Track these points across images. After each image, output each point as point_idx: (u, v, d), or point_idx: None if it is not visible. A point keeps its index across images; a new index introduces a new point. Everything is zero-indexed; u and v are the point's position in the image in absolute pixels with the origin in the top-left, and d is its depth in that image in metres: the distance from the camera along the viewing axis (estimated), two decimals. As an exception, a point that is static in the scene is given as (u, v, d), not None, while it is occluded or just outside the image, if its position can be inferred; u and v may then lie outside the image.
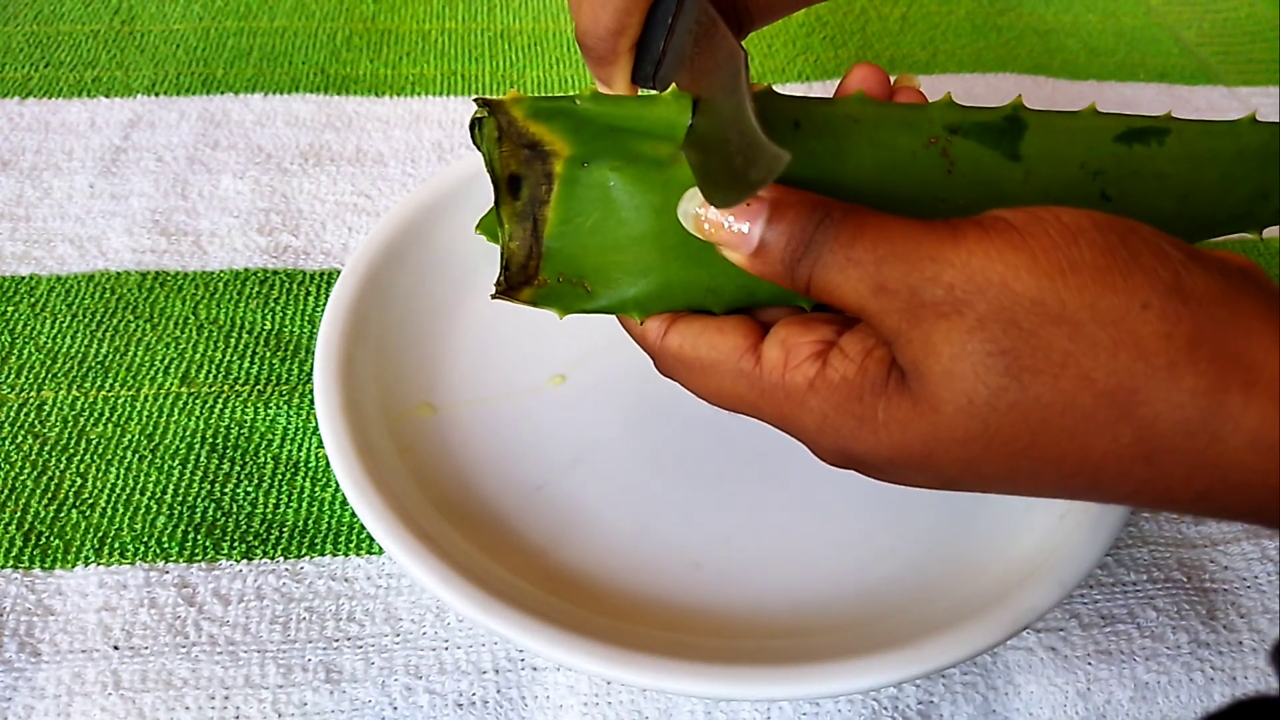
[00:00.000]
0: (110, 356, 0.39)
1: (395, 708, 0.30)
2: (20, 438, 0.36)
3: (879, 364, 0.23)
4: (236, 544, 0.33)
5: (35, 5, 0.57)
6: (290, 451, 0.36)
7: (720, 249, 0.24)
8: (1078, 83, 0.57)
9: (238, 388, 0.38)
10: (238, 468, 0.35)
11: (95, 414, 0.37)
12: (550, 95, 0.26)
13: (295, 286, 0.42)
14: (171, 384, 0.38)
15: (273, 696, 0.30)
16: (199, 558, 0.33)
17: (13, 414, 0.36)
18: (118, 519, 0.34)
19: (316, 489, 0.35)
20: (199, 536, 0.33)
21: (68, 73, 0.52)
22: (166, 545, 0.33)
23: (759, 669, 0.27)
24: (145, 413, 0.37)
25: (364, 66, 0.54)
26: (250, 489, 0.35)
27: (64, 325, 0.40)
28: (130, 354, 0.39)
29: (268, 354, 0.39)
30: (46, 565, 0.32)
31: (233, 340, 0.40)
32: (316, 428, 0.36)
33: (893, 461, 0.23)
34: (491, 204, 0.31)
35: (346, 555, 0.33)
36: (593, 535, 0.33)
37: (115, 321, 0.40)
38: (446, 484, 0.33)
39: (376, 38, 0.57)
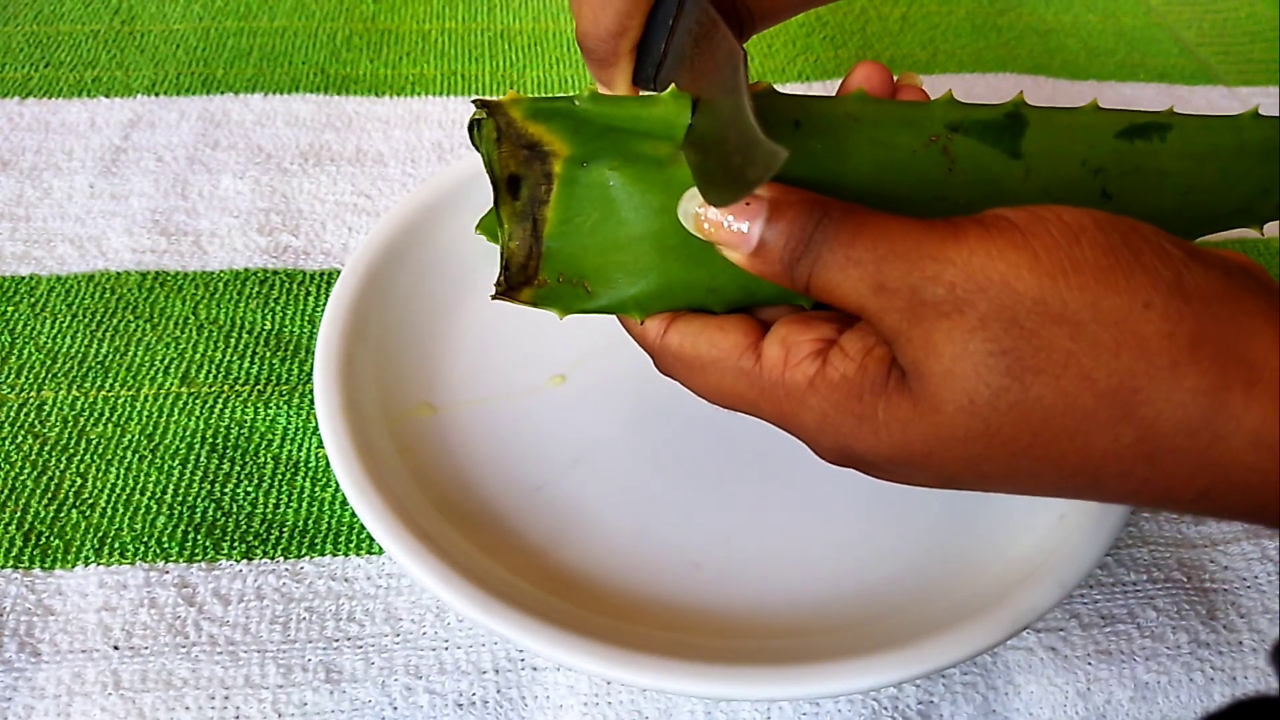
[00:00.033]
0: (110, 356, 0.39)
1: (395, 708, 0.30)
2: (20, 438, 0.36)
3: (879, 363, 0.23)
4: (236, 544, 0.33)
5: (35, 5, 0.57)
6: (290, 451, 0.36)
7: (720, 249, 0.24)
8: (1078, 83, 0.57)
9: (238, 388, 0.38)
10: (238, 468, 0.35)
11: (95, 414, 0.37)
12: (549, 96, 0.26)
13: (295, 286, 0.42)
14: (171, 384, 0.38)
15: (273, 696, 0.30)
16: (199, 558, 0.33)
17: (13, 414, 0.36)
18: (118, 519, 0.34)
19: (316, 489, 0.35)
20: (199, 536, 0.33)
21: (68, 73, 0.52)
22: (166, 545, 0.33)
23: (759, 669, 0.27)
24: (145, 413, 0.37)
25: (364, 66, 0.54)
26: (250, 489, 0.35)
27: (64, 325, 0.40)
28: (130, 354, 0.39)
29: (268, 354, 0.39)
30: (46, 565, 0.32)
31: (233, 340, 0.40)
32: (316, 428, 0.36)
33: (893, 460, 0.23)
34: (492, 204, 0.31)
35: (346, 555, 0.33)
36: (593, 535, 0.33)
37: (115, 321, 0.40)
38: (446, 484, 0.33)
39: (376, 38, 0.57)
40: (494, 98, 0.26)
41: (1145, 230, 0.21)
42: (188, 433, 0.36)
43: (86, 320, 0.40)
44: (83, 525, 0.33)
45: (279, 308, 0.41)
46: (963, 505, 0.33)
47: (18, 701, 0.29)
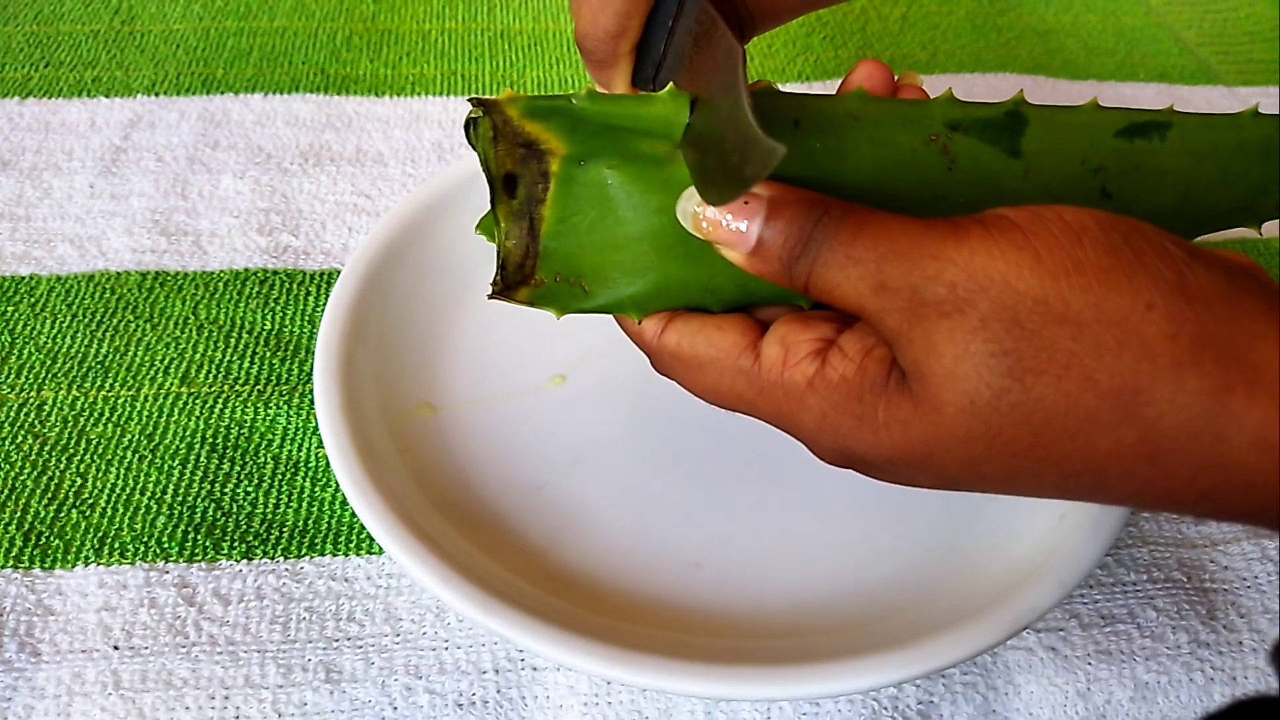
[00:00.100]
0: (110, 356, 0.39)
1: (395, 708, 0.30)
2: (20, 438, 0.36)
3: (879, 363, 0.23)
4: (236, 544, 0.33)
5: (35, 5, 0.57)
6: (290, 451, 0.36)
7: (718, 248, 0.24)
8: (1078, 83, 0.57)
9: (238, 388, 0.38)
10: (238, 468, 0.35)
11: (95, 414, 0.37)
12: (545, 94, 0.26)
13: (295, 286, 0.42)
14: (171, 384, 0.38)
15: (273, 696, 0.30)
16: (199, 558, 0.33)
17: (13, 414, 0.36)
18: (118, 519, 0.34)
19: (316, 489, 0.35)
20: (199, 536, 0.33)
21: (68, 73, 0.52)
22: (166, 545, 0.33)
23: (759, 669, 0.27)
24: (145, 413, 0.37)
25: (364, 66, 0.54)
26: (250, 489, 0.35)
27: (64, 325, 0.40)
28: (130, 354, 0.39)
29: (268, 354, 0.39)
30: (46, 565, 0.32)
31: (233, 340, 0.40)
32: (316, 428, 0.36)
33: (893, 461, 0.23)
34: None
35: (346, 555, 0.33)
36: (593, 535, 0.33)
37: (115, 321, 0.40)
38: (446, 484, 0.33)
39: (376, 38, 0.57)
40: (490, 96, 0.26)
41: (1147, 230, 0.21)
42: (188, 433, 0.36)
43: (86, 320, 0.40)
44: (83, 525, 0.33)
45: (279, 308, 0.41)
46: (963, 505, 0.33)
47: (18, 701, 0.29)
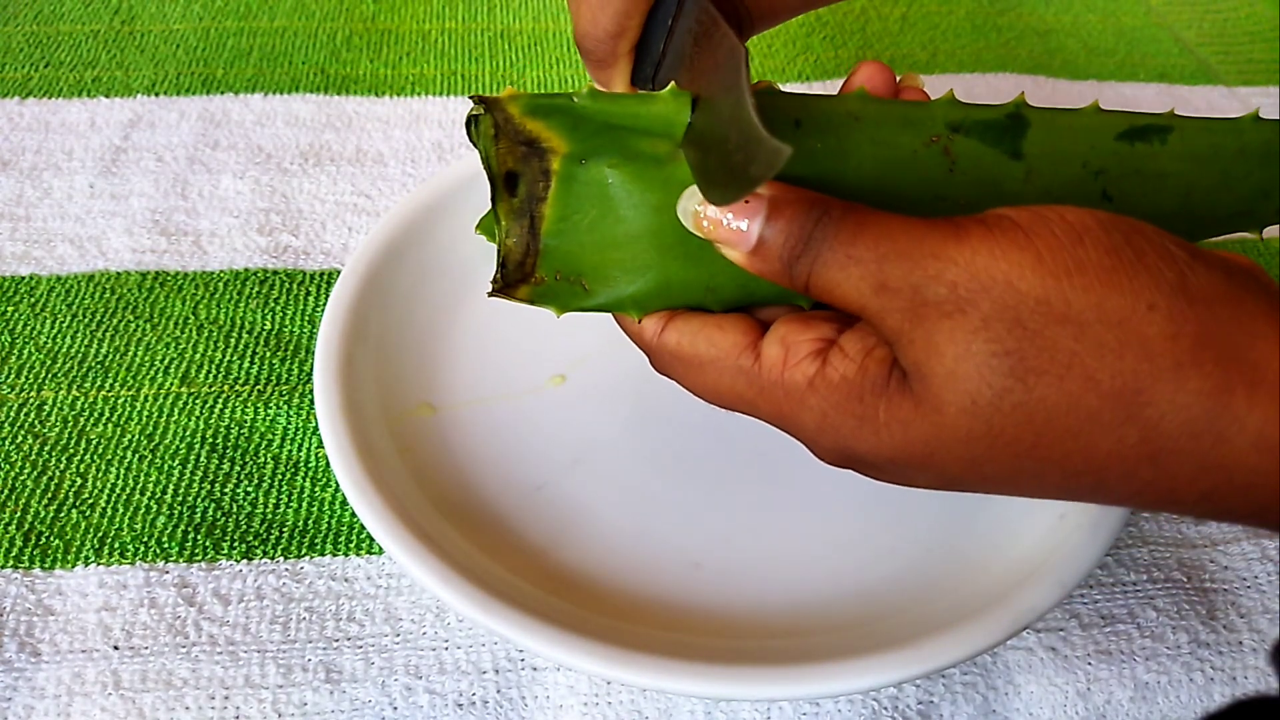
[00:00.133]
0: (110, 356, 0.39)
1: (395, 708, 0.30)
2: (20, 438, 0.36)
3: (880, 364, 0.23)
4: (236, 544, 0.33)
5: (35, 5, 0.57)
6: (290, 451, 0.36)
7: (719, 247, 0.24)
8: (1078, 83, 0.57)
9: (238, 388, 0.38)
10: (238, 468, 0.35)
11: (95, 414, 0.37)
12: (547, 92, 0.26)
13: (295, 286, 0.42)
14: (171, 384, 0.38)
15: (273, 696, 0.30)
16: (199, 558, 0.33)
17: (13, 414, 0.36)
18: (118, 519, 0.34)
19: (316, 489, 0.35)
20: (199, 536, 0.33)
21: (68, 73, 0.52)
22: (166, 545, 0.33)
23: (759, 669, 0.27)
24: (145, 413, 0.37)
25: (364, 66, 0.54)
26: (250, 489, 0.35)
27: (64, 325, 0.40)
28: (130, 354, 0.39)
29: (268, 354, 0.39)
30: (46, 565, 0.32)
31: (233, 340, 0.40)
32: (316, 428, 0.36)
33: (894, 461, 0.23)
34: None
35: (346, 555, 0.33)
36: (593, 535, 0.33)
37: (115, 321, 0.40)
38: (446, 484, 0.33)
39: (376, 38, 0.57)
40: (492, 94, 0.26)
41: (1148, 231, 0.21)
42: (188, 433, 0.36)
43: (86, 320, 0.40)
44: (83, 525, 0.33)
45: (279, 308, 0.41)
46: (963, 505, 0.33)
47: (18, 701, 0.29)
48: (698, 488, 0.34)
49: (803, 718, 0.30)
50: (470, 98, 0.26)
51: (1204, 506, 0.21)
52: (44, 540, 0.33)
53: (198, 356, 0.39)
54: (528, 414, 0.36)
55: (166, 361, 0.39)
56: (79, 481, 0.35)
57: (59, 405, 0.37)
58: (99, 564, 0.32)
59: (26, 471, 0.35)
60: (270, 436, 0.36)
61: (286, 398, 0.37)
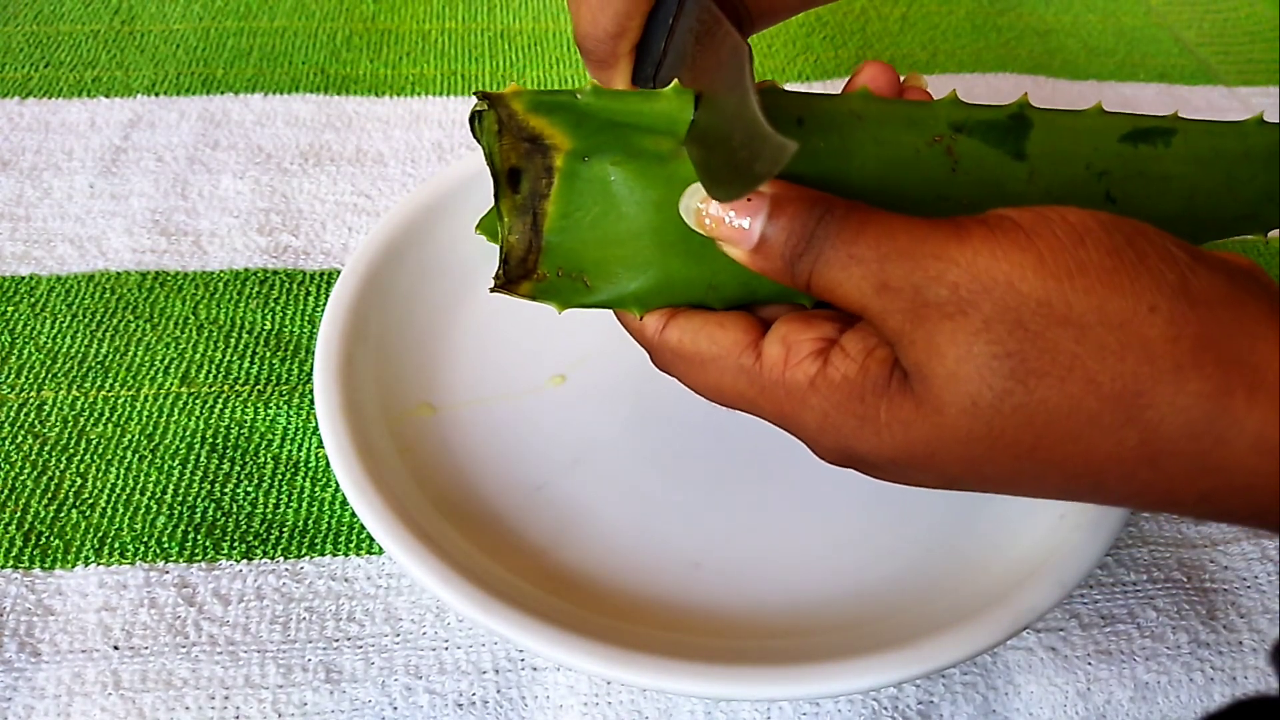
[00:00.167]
0: (110, 356, 0.39)
1: (395, 708, 0.30)
2: (20, 438, 0.36)
3: (881, 364, 0.23)
4: (236, 544, 0.33)
5: (35, 5, 0.57)
6: (290, 451, 0.36)
7: (721, 245, 0.24)
8: (1078, 83, 0.57)
9: (238, 388, 0.38)
10: (238, 468, 0.35)
11: (95, 414, 0.37)
12: (551, 89, 0.26)
13: (295, 286, 0.42)
14: (171, 384, 0.38)
15: (273, 696, 0.30)
16: (199, 558, 0.33)
17: (13, 414, 0.36)
18: (118, 519, 0.34)
19: (316, 489, 0.35)
20: (199, 536, 0.33)
21: (68, 73, 0.52)
22: (166, 545, 0.33)
23: (759, 669, 0.27)
24: (145, 413, 0.37)
25: (364, 66, 0.54)
26: (250, 489, 0.35)
27: (64, 325, 0.40)
28: (130, 354, 0.39)
29: (268, 354, 0.39)
30: (46, 565, 0.32)
31: (233, 340, 0.40)
32: (316, 428, 0.36)
33: (895, 461, 0.23)
34: (492, 203, 0.31)
35: (346, 555, 0.33)
36: (593, 535, 0.33)
37: (115, 321, 0.40)
38: (446, 484, 0.33)
39: (376, 38, 0.57)
40: (496, 90, 0.26)
41: (1150, 232, 0.21)
42: (188, 433, 0.36)
43: (86, 320, 0.40)
44: (83, 525, 0.33)
45: (279, 308, 0.41)
46: (963, 505, 0.33)
47: (18, 701, 0.29)
48: (698, 488, 0.34)
49: (803, 718, 0.30)
50: (474, 94, 0.26)
51: (1203, 507, 0.21)
52: (44, 540, 0.33)
53: (198, 356, 0.39)
54: (528, 414, 0.36)
55: (166, 361, 0.39)
56: (79, 481, 0.35)
57: (59, 405, 0.37)
58: (99, 564, 0.32)
59: (26, 471, 0.35)
60: (270, 436, 0.36)
61: (286, 398, 0.37)
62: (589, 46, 0.28)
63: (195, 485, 0.35)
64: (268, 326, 0.40)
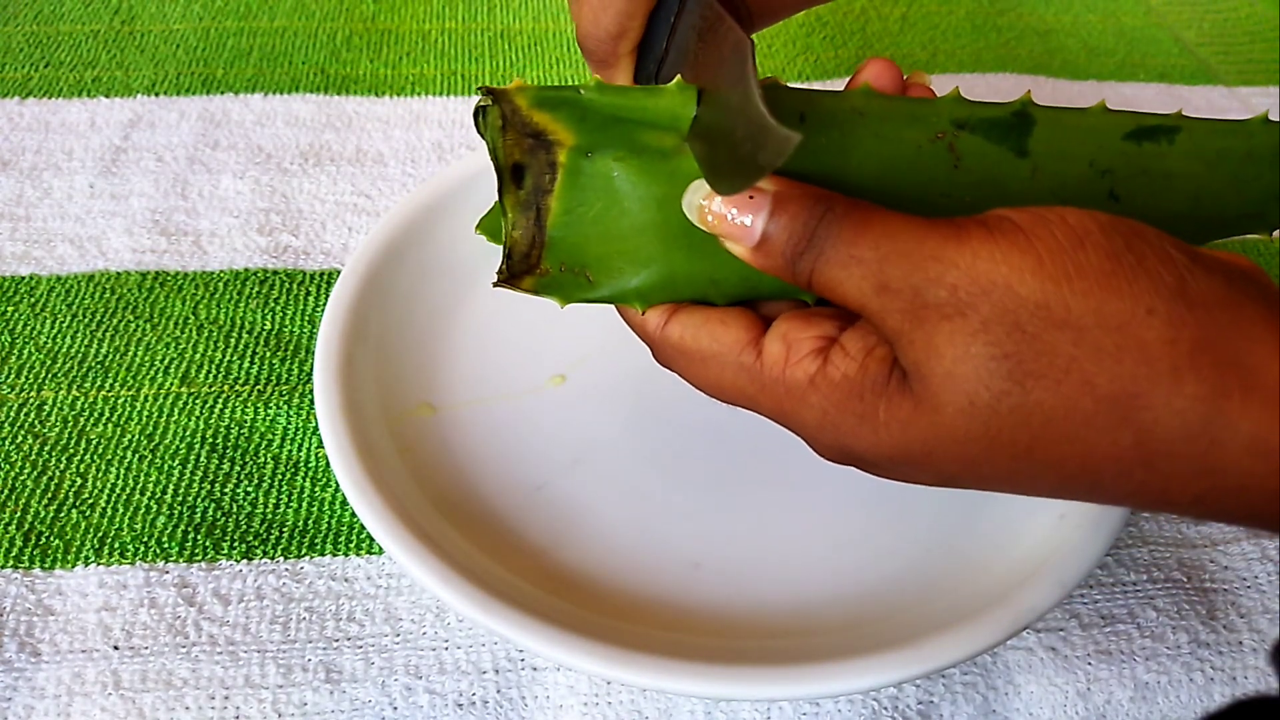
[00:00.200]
0: (110, 356, 0.39)
1: (395, 708, 0.30)
2: (20, 438, 0.36)
3: (880, 363, 0.23)
4: (236, 544, 0.33)
5: (35, 5, 0.57)
6: (290, 451, 0.36)
7: (723, 242, 0.24)
8: (1078, 83, 0.57)
9: (238, 388, 0.38)
10: (238, 468, 0.35)
11: (95, 414, 0.37)
12: (555, 85, 0.26)
13: (295, 286, 0.42)
14: (171, 384, 0.38)
15: (273, 696, 0.30)
16: (199, 558, 0.33)
17: (13, 414, 0.36)
18: (118, 519, 0.34)
19: (316, 489, 0.35)
20: (199, 536, 0.33)
21: (68, 73, 0.52)
22: (166, 545, 0.33)
23: (759, 669, 0.27)
24: (145, 413, 0.37)
25: (364, 66, 0.54)
26: (250, 489, 0.35)
27: (64, 325, 0.40)
28: (130, 354, 0.39)
29: (268, 354, 0.39)
30: (46, 565, 0.32)
31: (233, 340, 0.40)
32: (316, 428, 0.36)
33: (893, 459, 0.23)
34: (491, 204, 0.31)
35: (346, 555, 0.33)
36: (593, 535, 0.33)
37: (115, 321, 0.40)
38: (446, 484, 0.33)
39: (376, 38, 0.57)
40: (500, 86, 0.26)
41: (1149, 234, 0.21)
42: (188, 433, 0.36)
43: (86, 320, 0.40)
44: (83, 525, 0.33)
45: (279, 308, 0.41)
46: (963, 505, 0.33)
47: (18, 701, 0.29)
48: (698, 488, 0.34)
49: (803, 718, 0.30)
50: (479, 89, 0.26)
51: (1198, 508, 0.21)
52: (44, 540, 0.33)
53: (198, 356, 0.39)
54: (528, 414, 0.36)
55: (166, 361, 0.39)
56: (79, 481, 0.35)
57: (59, 405, 0.37)
58: (99, 564, 0.32)
59: (26, 471, 0.35)
60: (270, 436, 0.36)
61: (286, 398, 0.37)
62: (590, 47, 0.28)
63: (195, 485, 0.35)
64: (268, 326, 0.40)
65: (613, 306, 0.28)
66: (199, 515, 0.34)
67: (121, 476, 0.35)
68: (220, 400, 0.37)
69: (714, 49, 0.25)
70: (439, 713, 0.30)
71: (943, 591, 0.31)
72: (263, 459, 0.36)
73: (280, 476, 0.35)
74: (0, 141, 0.48)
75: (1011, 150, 0.27)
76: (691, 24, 0.27)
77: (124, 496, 0.34)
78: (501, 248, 0.27)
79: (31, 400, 0.37)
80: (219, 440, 0.36)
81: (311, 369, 0.36)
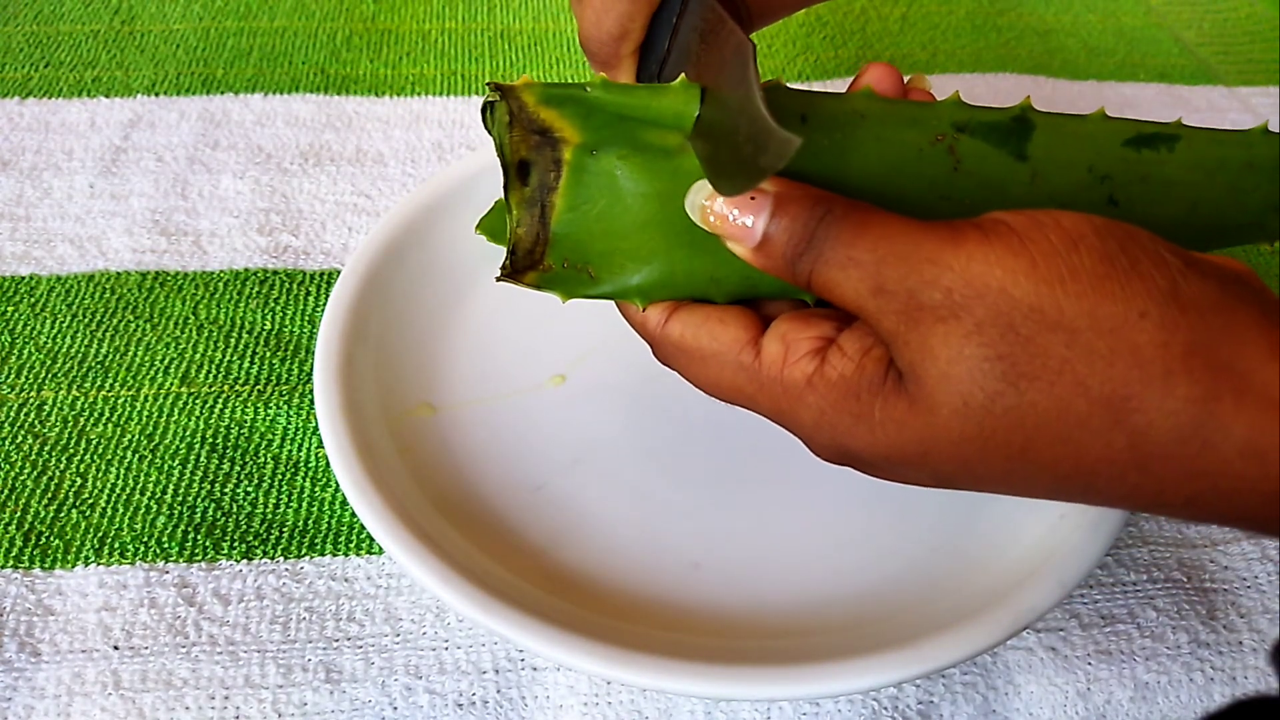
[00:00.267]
0: (110, 356, 0.39)
1: (395, 708, 0.30)
2: (20, 438, 0.36)
3: (877, 363, 0.23)
4: (236, 544, 0.33)
5: (35, 5, 0.57)
6: (290, 451, 0.36)
7: (724, 242, 0.24)
8: (1078, 83, 0.57)
9: (238, 388, 0.38)
10: (238, 468, 0.35)
11: (95, 414, 0.37)
12: (562, 82, 0.26)
13: (295, 286, 0.42)
14: (171, 384, 0.38)
15: (273, 696, 0.30)
16: (199, 558, 0.33)
17: (13, 414, 0.36)
18: (118, 519, 0.34)
19: (316, 489, 0.35)
20: (199, 536, 0.33)
21: (68, 73, 0.52)
22: (166, 545, 0.33)
23: (759, 669, 0.27)
24: (145, 413, 0.37)
25: (364, 66, 0.54)
26: (250, 489, 0.35)
27: (64, 325, 0.40)
28: (130, 354, 0.39)
29: (268, 354, 0.39)
30: (46, 565, 0.32)
31: (233, 340, 0.40)
32: (316, 428, 0.36)
33: (889, 459, 0.23)
34: (491, 204, 0.31)
35: (346, 555, 0.33)
36: (593, 535, 0.33)
37: (115, 321, 0.40)
38: (446, 484, 0.33)
39: (376, 38, 0.57)
40: (508, 82, 0.26)
41: (1143, 237, 0.21)
42: (188, 433, 0.36)
43: (86, 320, 0.40)
44: (83, 525, 0.33)
45: (279, 308, 0.41)
46: (963, 505, 0.33)
47: (18, 701, 0.29)
48: (698, 488, 0.34)
49: (803, 718, 0.30)
50: (487, 84, 0.26)
51: (1191, 510, 0.21)
52: (44, 540, 0.33)
53: (198, 356, 0.39)
54: (528, 414, 0.36)
55: (166, 361, 0.39)
56: (79, 481, 0.35)
57: (59, 405, 0.37)
58: (99, 564, 0.32)
59: (26, 471, 0.35)
60: (270, 436, 0.36)
61: (286, 398, 0.38)
62: (593, 48, 0.29)
63: (195, 485, 0.35)
64: (268, 326, 0.40)
65: (613, 305, 0.28)
66: (199, 515, 0.34)
67: (121, 476, 0.35)
68: (220, 400, 0.37)
69: (716, 51, 0.25)
70: (439, 713, 0.30)
71: (943, 591, 0.31)
72: (263, 459, 0.36)
73: (280, 476, 0.35)
74: (0, 141, 0.48)
75: (1011, 154, 0.27)
76: (693, 26, 0.27)
77: (124, 496, 0.34)
78: (503, 246, 0.27)
79: (31, 400, 0.37)
80: (219, 440, 0.36)
81: (311, 369, 0.36)
